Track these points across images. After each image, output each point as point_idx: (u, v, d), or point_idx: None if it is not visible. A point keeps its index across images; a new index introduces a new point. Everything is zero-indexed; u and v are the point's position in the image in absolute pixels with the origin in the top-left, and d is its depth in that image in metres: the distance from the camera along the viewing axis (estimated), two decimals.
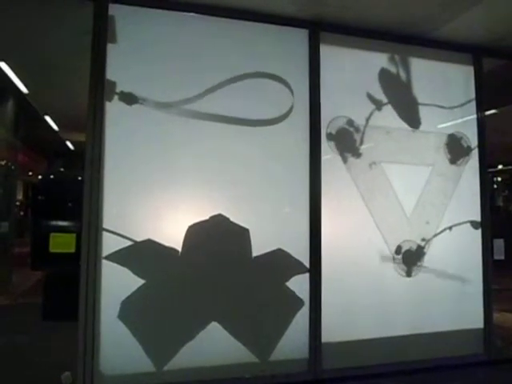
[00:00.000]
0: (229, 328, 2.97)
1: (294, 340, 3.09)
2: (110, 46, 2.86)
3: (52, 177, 6.01)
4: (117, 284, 2.78)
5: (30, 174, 14.36)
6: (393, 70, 3.55)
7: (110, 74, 2.85)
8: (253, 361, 3.01)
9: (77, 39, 3.13)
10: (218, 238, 3.02)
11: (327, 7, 3.10)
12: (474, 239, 3.65)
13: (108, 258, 2.77)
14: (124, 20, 2.90)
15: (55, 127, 8.72)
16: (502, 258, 3.75)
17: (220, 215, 3.00)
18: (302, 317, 3.13)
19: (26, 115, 7.09)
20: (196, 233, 2.95)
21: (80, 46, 2.94)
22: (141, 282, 2.82)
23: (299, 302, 3.13)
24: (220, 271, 3.00)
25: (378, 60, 3.52)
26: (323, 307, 3.16)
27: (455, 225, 3.61)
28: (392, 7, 3.11)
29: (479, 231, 3.66)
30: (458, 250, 3.61)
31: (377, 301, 3.33)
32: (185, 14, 3.05)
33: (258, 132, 3.15)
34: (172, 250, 2.90)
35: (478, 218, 3.67)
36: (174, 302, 2.91)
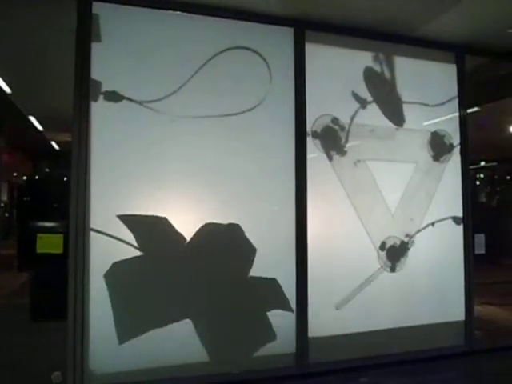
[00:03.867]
0: (217, 324, 3.00)
1: (280, 335, 3.13)
2: (94, 45, 2.84)
3: (37, 178, 5.95)
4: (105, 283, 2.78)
5: (15, 175, 14.14)
6: (377, 68, 3.61)
7: (95, 73, 2.83)
8: (241, 356, 3.05)
9: (61, 38, 3.11)
10: (209, 237, 3.03)
11: (312, 5, 3.13)
12: (456, 234, 3.74)
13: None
14: (108, 18, 2.88)
15: (40, 127, 8.59)
16: (483, 252, 3.85)
17: (210, 223, 3.01)
18: (289, 312, 3.17)
19: (10, 116, 6.98)
20: (187, 234, 2.96)
21: (64, 44, 2.92)
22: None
23: (286, 298, 3.17)
24: (209, 268, 3.01)
25: (363, 58, 3.57)
26: (309, 302, 3.21)
27: (438, 221, 3.69)
28: (376, 5, 3.14)
29: (461, 227, 3.75)
30: (441, 245, 3.69)
31: (362, 296, 3.39)
32: (169, 12, 3.04)
33: (243, 133, 3.16)
34: (162, 249, 2.92)
35: (460, 213, 3.75)
36: (163, 302, 2.92)
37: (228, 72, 3.15)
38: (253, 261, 3.09)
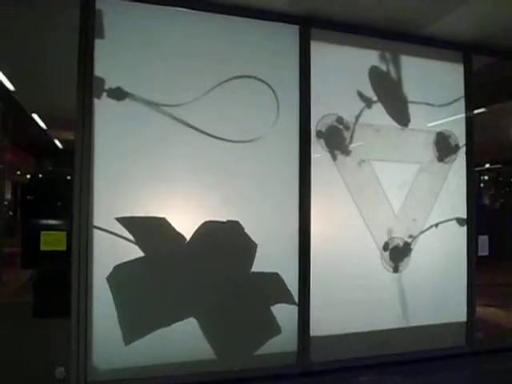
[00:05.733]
0: (222, 321, 2.99)
1: (282, 333, 3.12)
2: (97, 42, 2.81)
3: (41, 176, 5.95)
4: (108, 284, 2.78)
5: (19, 173, 14.17)
6: (383, 67, 3.57)
7: (98, 70, 2.81)
8: (242, 354, 3.05)
9: (63, 35, 3.09)
10: (209, 235, 3.01)
11: (318, 3, 3.10)
12: (459, 236, 3.70)
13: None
14: (112, 14, 2.85)
15: (43, 125, 8.62)
16: (486, 253, 3.82)
17: (209, 221, 2.99)
18: (291, 310, 3.16)
19: (13, 113, 6.99)
20: (189, 233, 2.96)
21: (67, 41, 2.91)
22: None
23: (288, 297, 3.16)
24: (211, 265, 3.00)
25: (369, 57, 3.53)
26: (312, 301, 3.20)
27: (442, 222, 3.66)
28: (382, 3, 3.11)
29: (465, 228, 3.72)
30: (444, 246, 3.66)
31: (364, 295, 3.37)
32: (173, 8, 3.01)
33: (246, 132, 3.14)
34: (164, 248, 2.90)
35: (464, 215, 3.72)
36: (163, 300, 2.91)
37: (232, 73, 3.12)
38: (254, 256, 3.07)
